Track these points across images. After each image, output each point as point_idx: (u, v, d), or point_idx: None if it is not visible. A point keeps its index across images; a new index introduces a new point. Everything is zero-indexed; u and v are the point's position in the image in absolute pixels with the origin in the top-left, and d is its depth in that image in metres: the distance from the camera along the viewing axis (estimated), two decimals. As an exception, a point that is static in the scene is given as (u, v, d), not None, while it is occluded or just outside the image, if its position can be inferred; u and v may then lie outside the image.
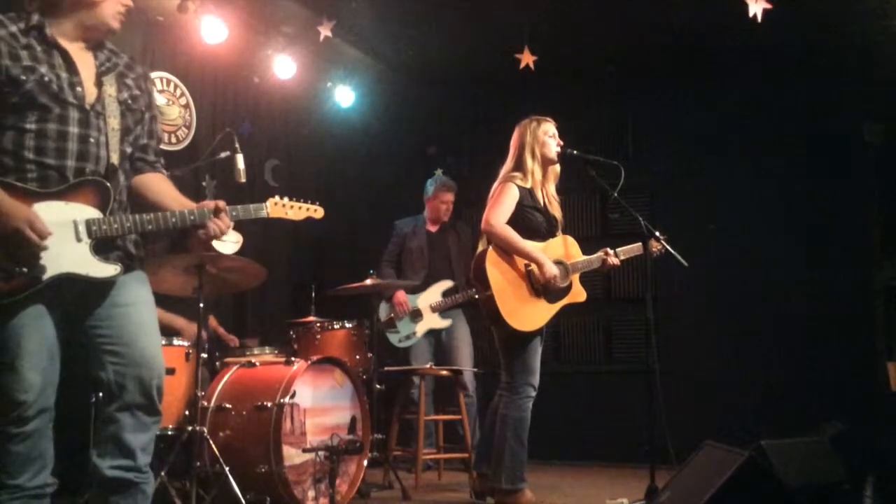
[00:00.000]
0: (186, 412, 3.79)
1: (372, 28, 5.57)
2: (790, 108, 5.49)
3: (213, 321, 4.87)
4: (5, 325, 2.27)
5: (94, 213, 2.36)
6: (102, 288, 2.38)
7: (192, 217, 2.44)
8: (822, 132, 5.36)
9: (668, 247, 4.00)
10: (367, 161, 6.62)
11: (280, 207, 2.65)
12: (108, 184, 2.39)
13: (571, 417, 5.63)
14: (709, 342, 5.57)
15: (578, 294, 3.94)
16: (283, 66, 5.63)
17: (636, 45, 5.64)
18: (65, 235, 2.31)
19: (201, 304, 3.75)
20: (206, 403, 3.83)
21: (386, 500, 4.36)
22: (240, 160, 3.80)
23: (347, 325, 4.66)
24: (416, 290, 5.37)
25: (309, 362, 3.91)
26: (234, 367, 4.08)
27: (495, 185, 3.92)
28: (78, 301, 2.36)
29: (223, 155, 3.96)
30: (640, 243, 3.99)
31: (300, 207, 2.71)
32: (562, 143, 3.95)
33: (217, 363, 4.31)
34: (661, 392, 3.69)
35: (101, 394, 2.38)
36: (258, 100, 5.92)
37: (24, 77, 2.32)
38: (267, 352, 4.39)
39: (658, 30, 5.42)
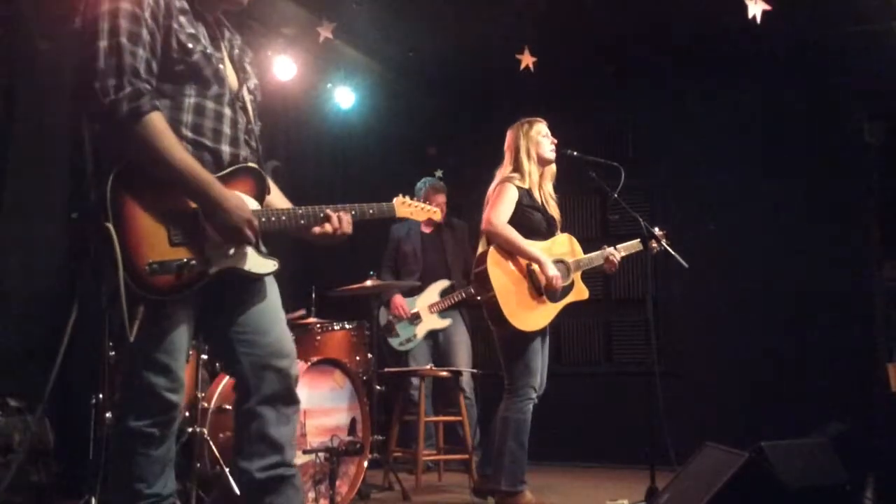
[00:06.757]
0: (187, 413, 3.77)
1: (372, 29, 5.56)
2: (790, 108, 5.49)
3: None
4: (166, 321, 2.05)
5: (253, 203, 2.15)
6: (249, 283, 2.20)
7: (326, 209, 2.30)
8: (822, 132, 5.36)
9: (668, 247, 4.00)
10: (366, 162, 6.62)
11: (405, 207, 2.57)
12: (263, 172, 2.18)
13: (571, 418, 5.63)
14: (709, 342, 5.57)
15: (581, 292, 3.93)
16: (283, 68, 5.63)
17: (636, 45, 5.64)
18: None
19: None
20: (206, 405, 3.82)
21: (386, 501, 4.36)
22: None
23: (347, 326, 4.64)
24: (413, 292, 5.36)
25: (308, 363, 3.91)
26: (235, 369, 4.07)
27: (492, 186, 3.91)
28: (218, 294, 2.15)
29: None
30: (638, 239, 3.99)
31: (422, 208, 2.63)
32: (556, 141, 3.95)
33: (217, 364, 4.30)
34: (662, 392, 3.69)
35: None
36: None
37: (191, 45, 2.05)
38: (267, 353, 4.37)
39: (658, 30, 5.42)
